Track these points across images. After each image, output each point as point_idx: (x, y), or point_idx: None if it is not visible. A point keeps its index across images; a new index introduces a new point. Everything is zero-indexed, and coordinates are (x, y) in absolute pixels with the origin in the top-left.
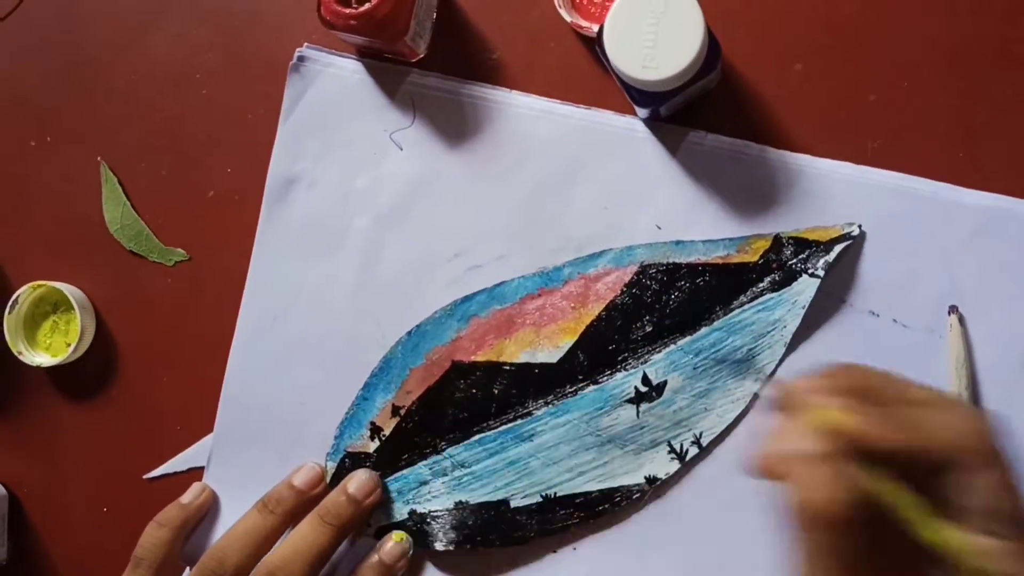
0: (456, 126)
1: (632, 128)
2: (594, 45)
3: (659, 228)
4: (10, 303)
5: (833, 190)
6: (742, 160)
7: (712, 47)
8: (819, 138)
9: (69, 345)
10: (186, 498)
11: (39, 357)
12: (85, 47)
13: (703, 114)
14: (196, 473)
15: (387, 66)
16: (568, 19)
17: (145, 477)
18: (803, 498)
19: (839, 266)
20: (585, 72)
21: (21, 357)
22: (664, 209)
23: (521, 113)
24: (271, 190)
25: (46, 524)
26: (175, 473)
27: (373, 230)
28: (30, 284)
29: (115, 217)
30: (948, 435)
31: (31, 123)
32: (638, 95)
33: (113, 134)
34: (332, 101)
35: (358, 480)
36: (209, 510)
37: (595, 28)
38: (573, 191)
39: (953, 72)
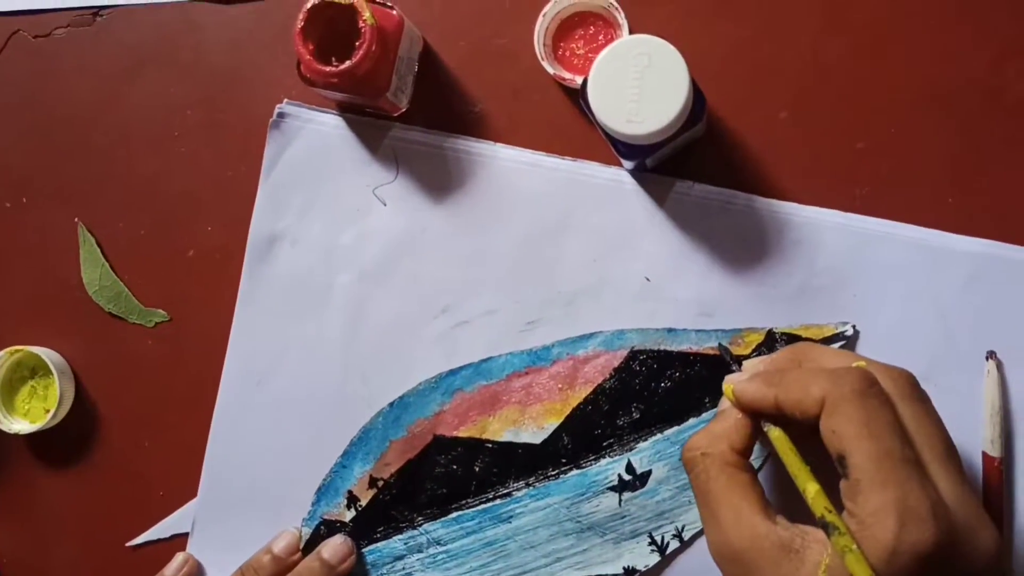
0: (440, 180)
1: (618, 179)
2: (578, 96)
3: (648, 280)
4: None
5: (822, 238)
6: (730, 209)
7: (697, 99)
8: (806, 186)
9: (48, 411)
10: (169, 571)
11: (17, 424)
12: (61, 106)
13: (690, 164)
14: (180, 540)
15: (369, 121)
16: (551, 71)
17: (128, 544)
18: (695, 441)
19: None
20: (569, 124)
21: None
22: (653, 260)
23: (506, 166)
24: (253, 248)
25: None
26: (159, 540)
27: (358, 287)
28: (7, 349)
29: (93, 279)
30: (801, 390)
31: (6, 184)
32: (624, 148)
33: (90, 194)
34: (314, 157)
35: (332, 546)
36: None
37: (578, 80)
38: (561, 244)
39: (941, 118)
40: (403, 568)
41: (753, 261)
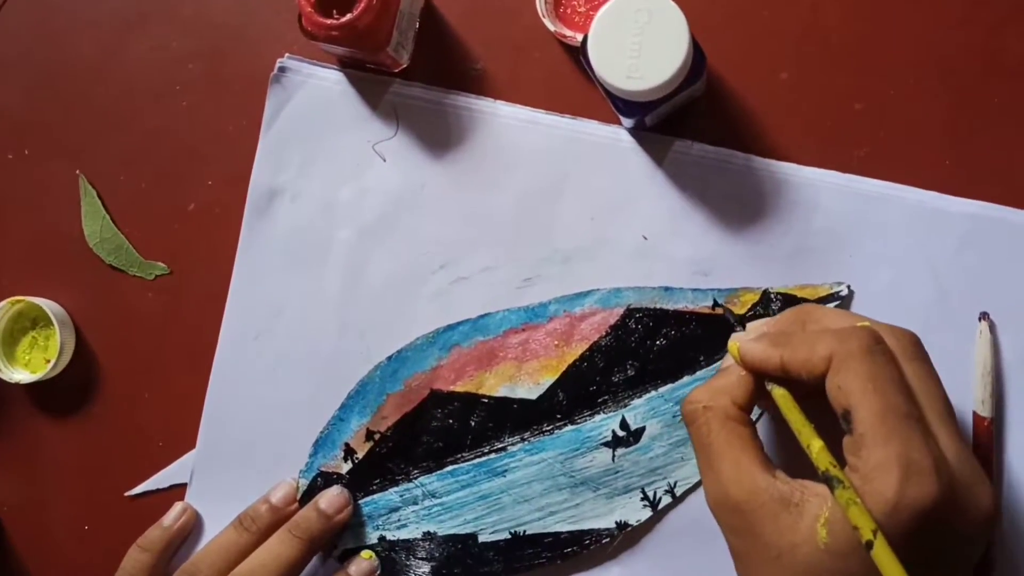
0: (440, 136)
1: (617, 138)
2: (578, 55)
3: (645, 239)
4: None
5: (819, 198)
6: (728, 169)
7: (697, 56)
8: (805, 147)
9: (48, 361)
10: (167, 520)
11: (18, 374)
12: (63, 59)
13: (689, 123)
14: (179, 490)
15: (369, 76)
16: (552, 28)
17: (127, 494)
18: (697, 395)
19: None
20: (569, 82)
21: None
22: (650, 219)
23: (505, 123)
24: (253, 202)
25: (27, 542)
26: (157, 490)
27: (357, 242)
28: (8, 300)
29: (94, 231)
30: (808, 349)
31: (8, 136)
32: (623, 105)
33: (92, 147)
34: (314, 112)
35: (329, 496)
36: (191, 530)
37: (579, 37)
38: (559, 201)
39: (939, 80)
40: (398, 520)
41: (750, 221)
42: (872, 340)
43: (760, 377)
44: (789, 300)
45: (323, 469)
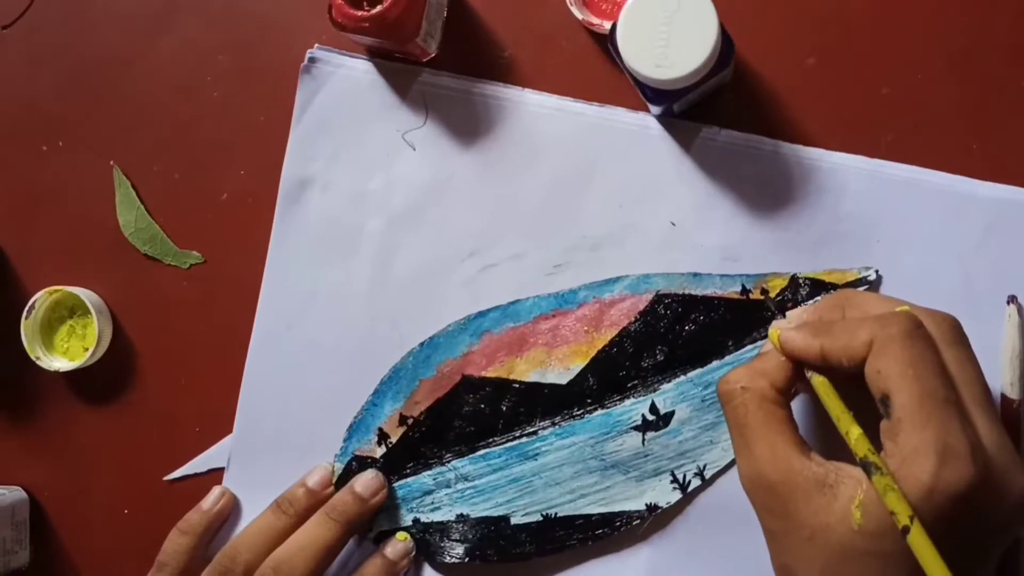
0: (468, 125)
1: (645, 125)
2: (606, 42)
3: (673, 225)
4: (27, 308)
5: (847, 184)
6: (755, 155)
7: (725, 44)
8: (832, 132)
9: (87, 349)
10: (206, 503)
11: (57, 362)
12: (95, 52)
13: (716, 110)
14: (216, 474)
15: (398, 66)
16: (579, 17)
17: (165, 479)
18: (735, 375)
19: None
20: (597, 69)
21: (39, 362)
22: (678, 206)
23: (533, 111)
24: (285, 192)
25: (67, 527)
26: (195, 474)
27: (387, 231)
28: (46, 289)
29: (129, 221)
30: (849, 335)
31: (42, 129)
32: (651, 93)
33: (125, 138)
34: (344, 102)
35: (364, 480)
36: (230, 514)
37: (607, 25)
38: (587, 189)
39: (966, 65)
40: (432, 502)
41: (778, 207)
42: (912, 325)
43: (799, 364)
44: (817, 285)
45: (358, 453)
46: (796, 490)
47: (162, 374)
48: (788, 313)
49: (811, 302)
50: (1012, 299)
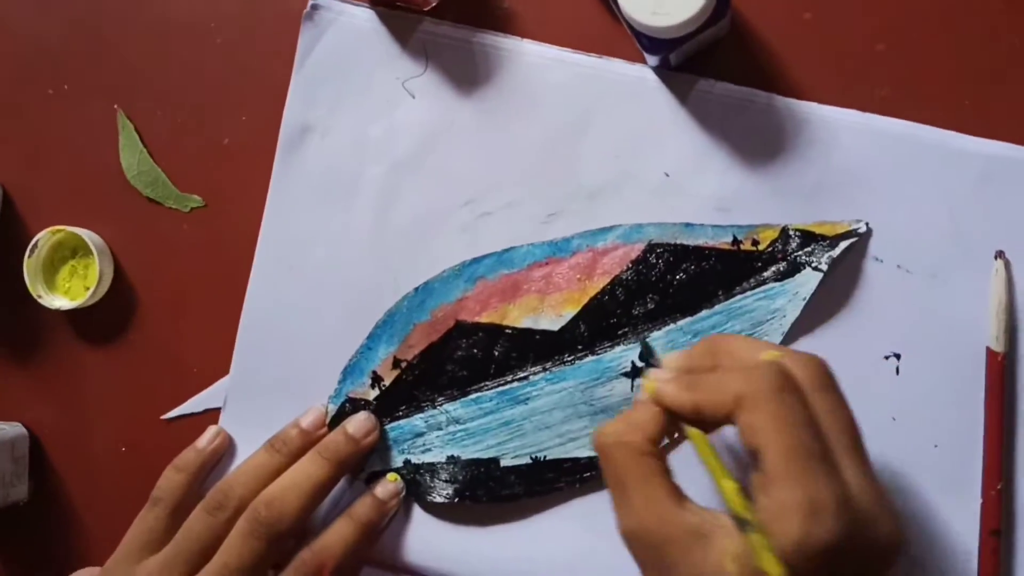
0: (468, 74)
1: (642, 76)
2: None
3: (667, 176)
4: (29, 248)
5: (839, 137)
6: (750, 108)
7: None
8: (827, 86)
9: (88, 289)
10: (202, 442)
11: (58, 300)
12: None
13: (712, 62)
14: (212, 414)
15: (399, 14)
16: None
17: (163, 418)
18: (611, 428)
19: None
20: (596, 20)
21: (40, 300)
22: (673, 157)
23: (532, 62)
24: (285, 138)
25: (66, 463)
26: (192, 414)
27: (386, 178)
28: (49, 229)
29: (132, 164)
30: (718, 391)
31: (49, 72)
32: (648, 42)
33: (129, 82)
34: (345, 49)
35: (356, 421)
36: (224, 453)
37: None
38: (583, 139)
39: (961, 21)
40: (423, 444)
41: (771, 159)
42: (780, 378)
43: (674, 415)
44: (808, 236)
45: (351, 395)
46: (670, 541)
47: (161, 315)
48: (664, 360)
49: (692, 341)
50: (1000, 254)
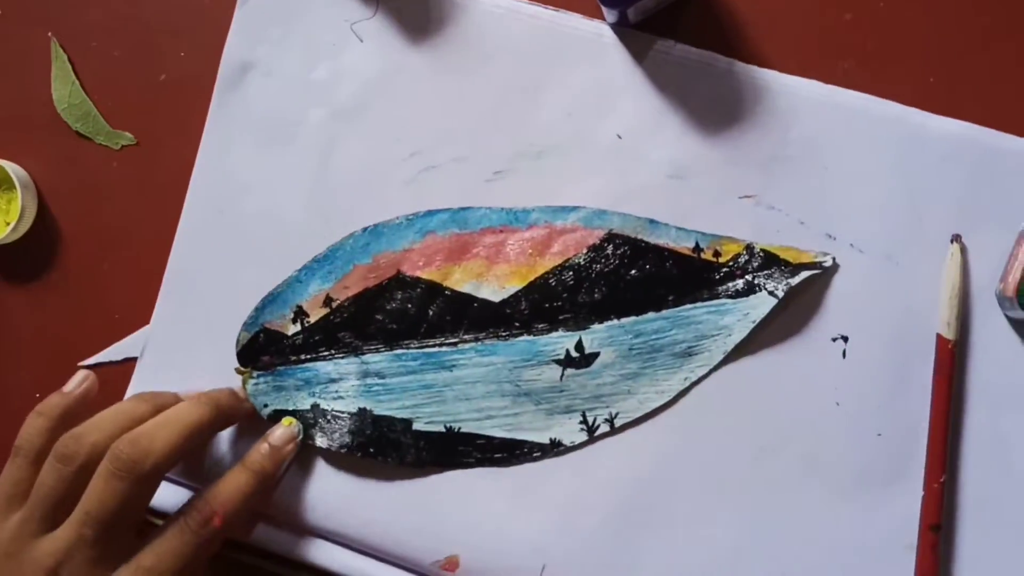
0: (419, 21)
1: (599, 33)
2: None
3: (620, 137)
4: None
5: (799, 108)
6: (709, 73)
7: None
8: (790, 55)
9: (8, 224)
10: (68, 387)
11: None
12: None
13: (673, 24)
14: (131, 364)
15: None
16: None
17: (79, 365)
18: None
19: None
20: None
21: None
22: (627, 118)
23: (486, 11)
24: (224, 76)
25: None
26: (110, 362)
27: (329, 124)
28: None
29: (63, 96)
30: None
31: None
32: None
33: (66, 11)
34: None
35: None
36: (93, 400)
37: None
38: (536, 95)
39: None
40: (336, 392)
41: (728, 126)
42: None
43: None
44: (770, 259)
45: (267, 326)
46: None
47: (85, 257)
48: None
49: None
50: (956, 238)
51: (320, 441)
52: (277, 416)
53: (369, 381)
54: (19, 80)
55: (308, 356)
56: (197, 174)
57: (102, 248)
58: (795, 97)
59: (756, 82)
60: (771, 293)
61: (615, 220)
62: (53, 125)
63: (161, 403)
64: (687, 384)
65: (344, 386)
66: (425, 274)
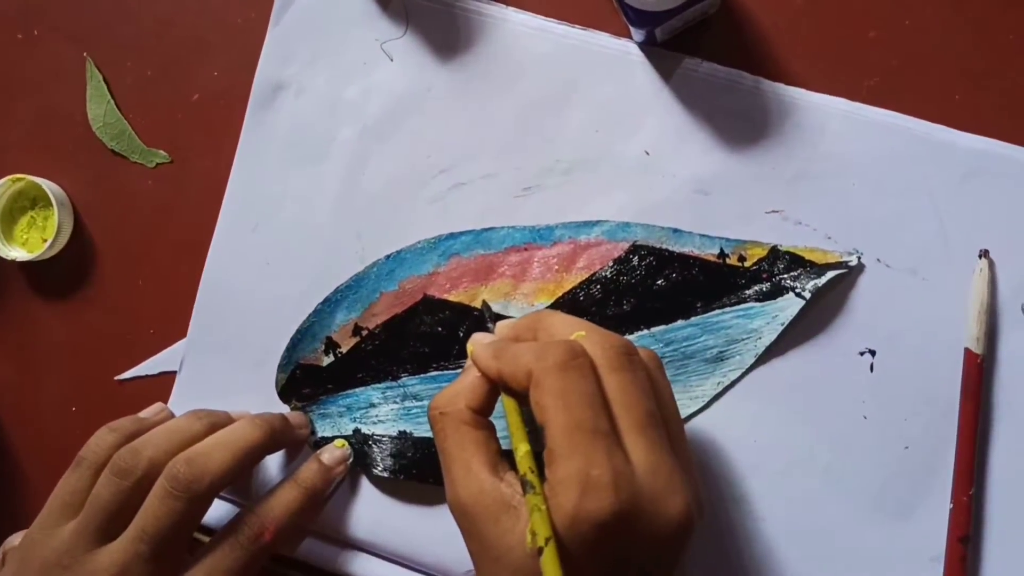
0: (449, 39)
1: (627, 51)
2: None
3: (647, 154)
4: None
5: (826, 125)
6: (735, 90)
7: None
8: (815, 73)
9: (45, 241)
10: (145, 413)
11: (15, 251)
12: None
13: (699, 42)
14: (168, 377)
15: None
16: None
17: (116, 379)
18: (437, 400)
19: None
20: None
21: None
22: (654, 135)
23: (516, 30)
24: (257, 95)
25: (14, 421)
26: (146, 376)
27: (359, 142)
28: (10, 177)
29: (98, 115)
30: (514, 364)
31: (19, 16)
32: (634, 15)
33: (101, 31)
34: (324, 6)
35: (296, 415)
36: None
37: None
38: (564, 112)
39: (956, 13)
40: (376, 416)
41: (754, 143)
42: (567, 356)
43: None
44: (796, 260)
45: (302, 362)
46: (485, 512)
47: (120, 272)
48: (498, 325)
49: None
50: (984, 253)
51: (365, 465)
52: (322, 443)
53: (407, 404)
54: (55, 99)
55: (346, 385)
56: (230, 191)
57: (137, 264)
58: (821, 114)
59: (782, 99)
60: (798, 294)
61: (639, 231)
62: (88, 144)
63: (215, 421)
64: (720, 389)
65: (383, 410)
66: (452, 296)
